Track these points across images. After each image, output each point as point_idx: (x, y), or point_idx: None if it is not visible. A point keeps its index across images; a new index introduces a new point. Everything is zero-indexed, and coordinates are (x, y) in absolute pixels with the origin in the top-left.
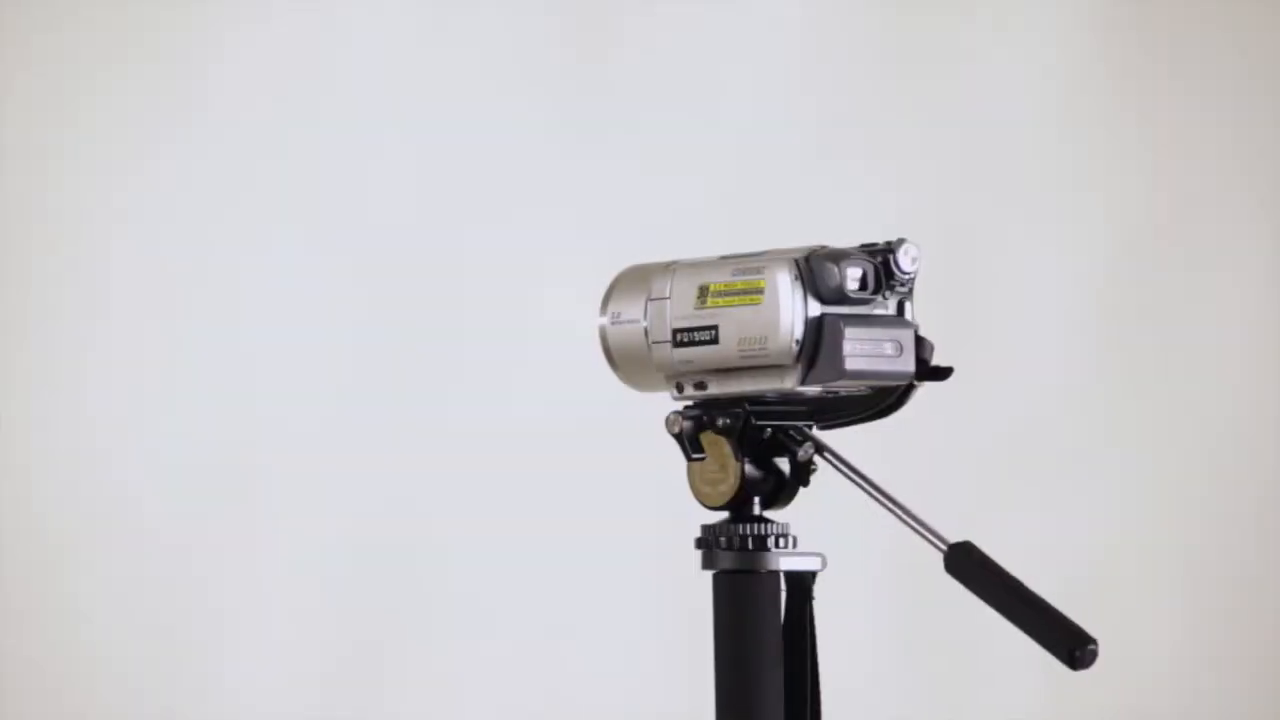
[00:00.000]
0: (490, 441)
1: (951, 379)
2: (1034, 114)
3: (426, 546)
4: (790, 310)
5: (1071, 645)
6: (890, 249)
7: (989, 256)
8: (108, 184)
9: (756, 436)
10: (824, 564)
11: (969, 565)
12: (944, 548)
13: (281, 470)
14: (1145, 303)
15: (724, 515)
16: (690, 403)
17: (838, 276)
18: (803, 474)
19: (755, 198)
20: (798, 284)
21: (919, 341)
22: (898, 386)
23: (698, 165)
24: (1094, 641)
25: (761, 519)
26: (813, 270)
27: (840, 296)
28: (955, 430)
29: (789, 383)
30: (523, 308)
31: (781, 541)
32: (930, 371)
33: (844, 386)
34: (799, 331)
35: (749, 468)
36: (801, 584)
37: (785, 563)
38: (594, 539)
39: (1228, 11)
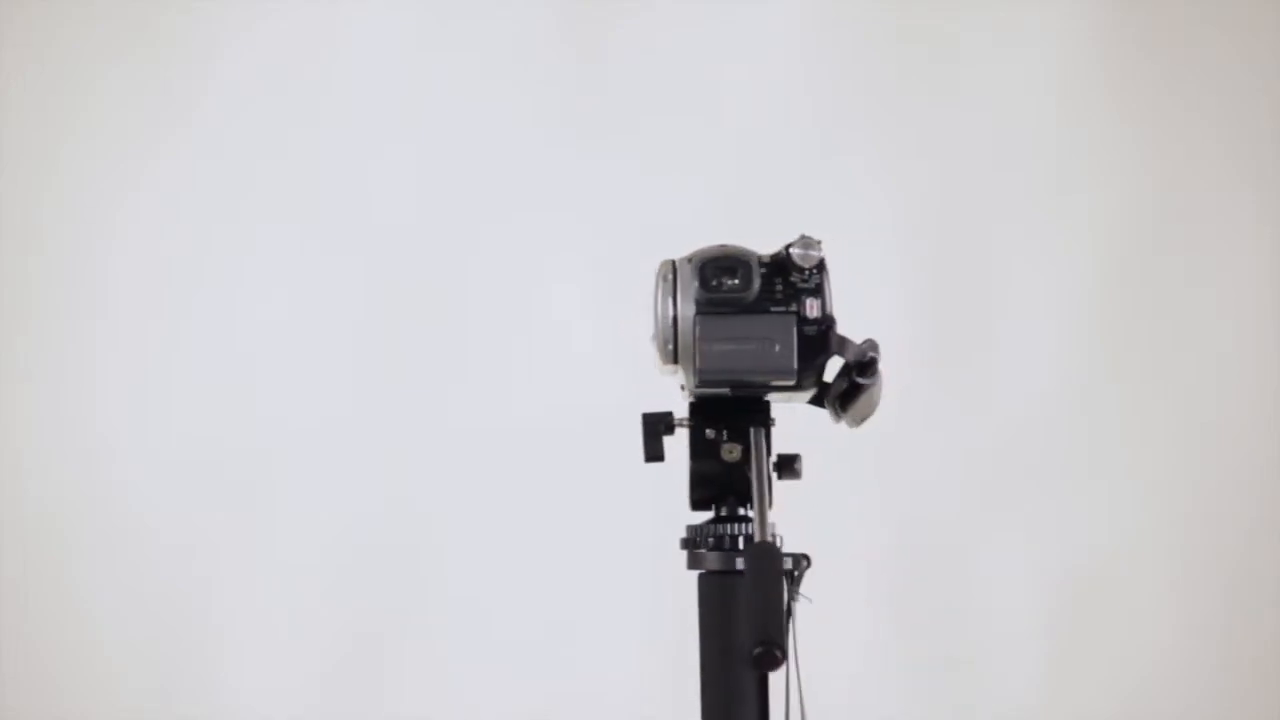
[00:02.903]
0: (490, 441)
1: (953, 380)
2: (1032, 116)
3: (426, 546)
4: (661, 312)
5: (756, 642)
6: (789, 247)
7: (987, 257)
8: (111, 184)
9: (699, 437)
10: (805, 563)
11: (755, 557)
12: (761, 540)
13: (283, 471)
14: (1144, 305)
15: (708, 516)
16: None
17: (695, 278)
18: (736, 474)
19: (755, 198)
20: (668, 286)
21: (838, 341)
22: (847, 383)
23: (699, 165)
24: (780, 649)
25: (741, 519)
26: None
27: (705, 298)
28: (955, 431)
29: (693, 381)
30: (522, 308)
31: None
32: (857, 369)
33: (722, 385)
34: (667, 333)
35: (699, 467)
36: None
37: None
38: (593, 539)
39: (1227, 13)
